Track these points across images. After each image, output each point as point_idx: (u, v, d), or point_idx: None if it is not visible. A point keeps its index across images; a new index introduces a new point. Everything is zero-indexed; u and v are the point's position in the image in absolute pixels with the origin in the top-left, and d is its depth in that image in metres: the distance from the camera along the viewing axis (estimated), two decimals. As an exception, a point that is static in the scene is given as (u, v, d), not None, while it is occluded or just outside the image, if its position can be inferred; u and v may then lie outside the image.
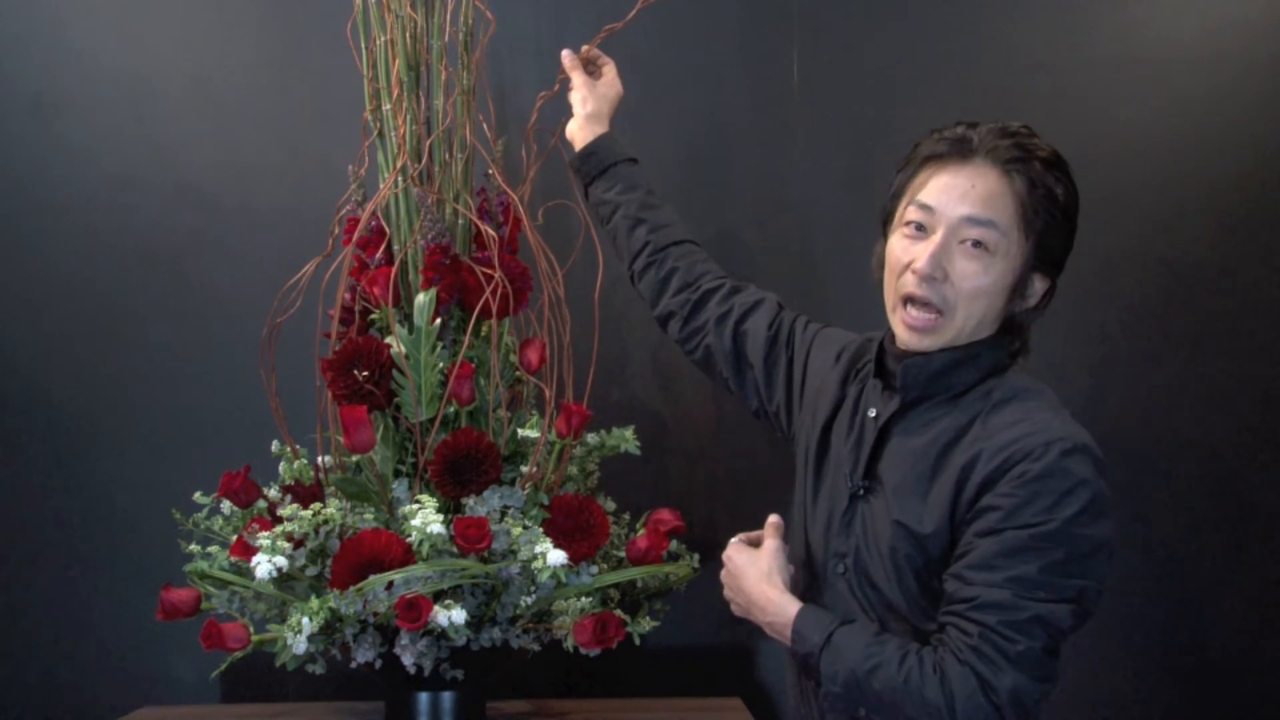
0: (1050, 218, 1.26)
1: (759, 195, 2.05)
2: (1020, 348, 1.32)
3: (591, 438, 1.74)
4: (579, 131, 1.69)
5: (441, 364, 1.59)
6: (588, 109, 1.69)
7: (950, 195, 1.26)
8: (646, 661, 1.90)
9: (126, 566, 1.98)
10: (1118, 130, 2.02)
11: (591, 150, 1.67)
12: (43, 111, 2.02)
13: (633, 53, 2.04)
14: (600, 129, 1.68)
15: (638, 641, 1.58)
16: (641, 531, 1.66)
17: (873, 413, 1.34)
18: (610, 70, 1.74)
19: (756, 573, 1.34)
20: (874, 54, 2.04)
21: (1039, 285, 1.29)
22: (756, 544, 1.39)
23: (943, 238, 1.26)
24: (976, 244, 1.25)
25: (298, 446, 1.71)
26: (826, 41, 2.04)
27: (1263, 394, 2.00)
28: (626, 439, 1.72)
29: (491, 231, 1.65)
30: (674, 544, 1.68)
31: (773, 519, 1.39)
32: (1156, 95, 2.02)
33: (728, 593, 1.39)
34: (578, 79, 1.71)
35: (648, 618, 1.62)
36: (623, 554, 1.66)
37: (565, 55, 1.73)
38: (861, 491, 1.32)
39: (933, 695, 1.17)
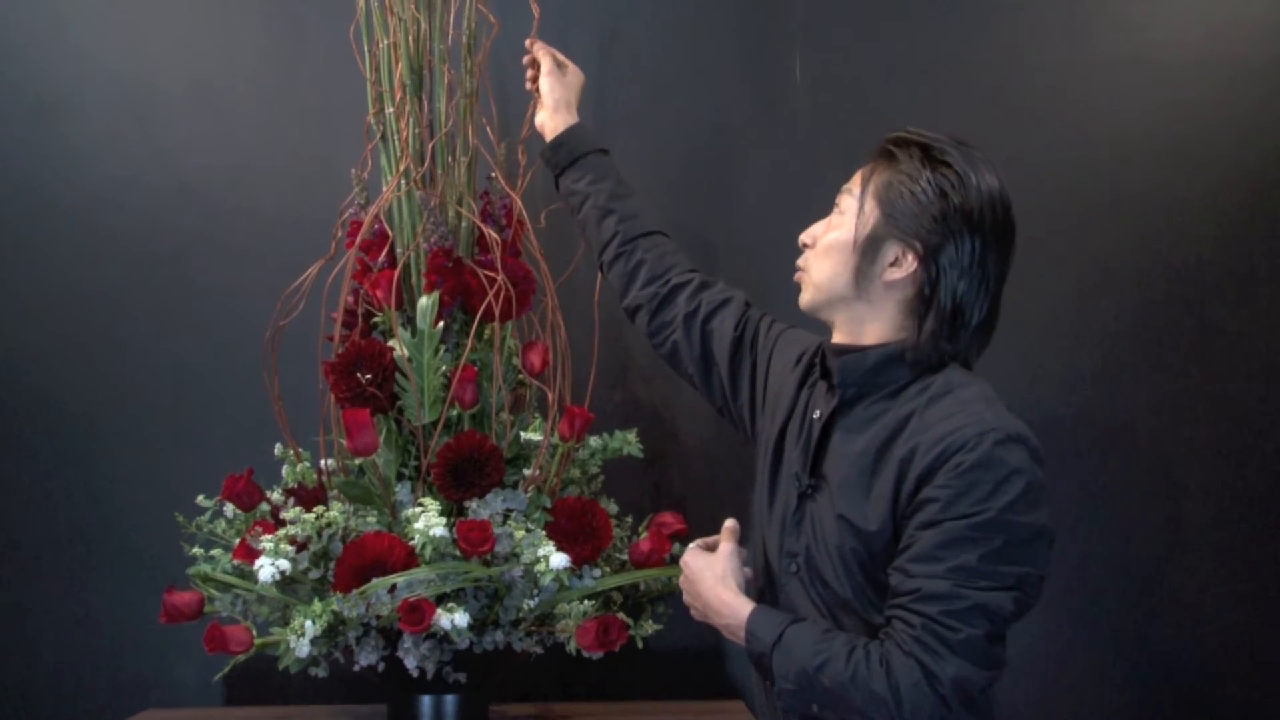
0: (903, 186, 1.30)
1: (761, 198, 2.05)
2: (921, 355, 1.30)
3: (594, 440, 1.74)
4: (549, 121, 1.69)
5: (444, 367, 1.59)
6: (555, 96, 1.69)
7: None
8: (649, 664, 1.90)
9: (129, 569, 1.97)
10: (1119, 133, 2.02)
11: (562, 140, 1.67)
12: (44, 113, 2.02)
13: (636, 56, 2.05)
14: (570, 118, 1.69)
15: (640, 644, 1.58)
16: (644, 534, 1.66)
17: (816, 413, 1.36)
18: (564, 59, 1.74)
19: (712, 576, 1.36)
20: (876, 57, 2.04)
21: (895, 253, 1.30)
22: (714, 549, 1.41)
23: (821, 221, 1.41)
24: (837, 212, 1.38)
25: (300, 449, 1.71)
26: (829, 45, 2.04)
27: (1264, 397, 2.00)
28: (629, 442, 1.72)
29: (494, 234, 1.65)
30: (676, 547, 1.68)
31: (728, 523, 1.41)
32: (1158, 98, 2.02)
33: (686, 598, 1.41)
34: (546, 65, 1.71)
35: (650, 620, 1.62)
36: (625, 557, 1.66)
37: (538, 46, 1.73)
38: (809, 490, 1.34)
39: (879, 687, 1.19)
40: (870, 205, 1.32)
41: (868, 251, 1.31)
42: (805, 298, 1.40)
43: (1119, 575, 2.00)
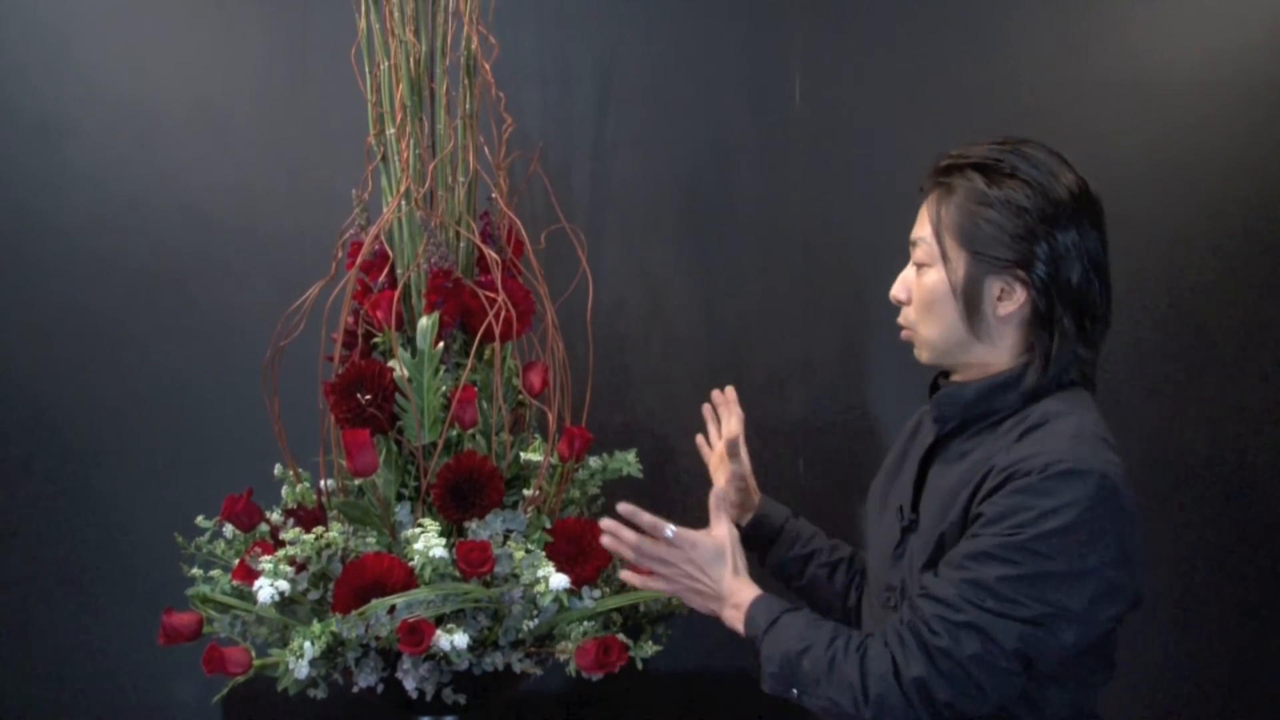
0: (977, 217, 1.25)
1: (760, 220, 2.05)
2: (1058, 371, 1.25)
3: (594, 461, 1.74)
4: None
5: (444, 387, 1.59)
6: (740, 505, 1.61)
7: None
8: (649, 685, 1.89)
9: (128, 590, 1.97)
10: (1118, 154, 2.02)
11: (757, 521, 1.60)
12: (49, 135, 2.03)
13: (635, 79, 2.06)
14: (755, 509, 1.61)
15: (640, 665, 1.57)
16: (644, 555, 1.66)
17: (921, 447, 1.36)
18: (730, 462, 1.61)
19: (728, 567, 1.34)
20: (874, 79, 2.05)
21: (1000, 287, 1.26)
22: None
23: (907, 268, 1.35)
24: (919, 265, 1.32)
25: (300, 470, 1.71)
26: (827, 67, 2.05)
27: (1266, 413, 2.00)
28: (629, 462, 1.72)
29: (494, 255, 1.65)
30: (676, 567, 1.68)
31: (716, 492, 1.38)
32: (1157, 120, 2.03)
33: (675, 573, 1.34)
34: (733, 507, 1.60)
35: (650, 641, 1.61)
36: (625, 578, 1.65)
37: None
38: (911, 525, 1.32)
39: (851, 672, 1.19)
40: (951, 247, 1.27)
41: (971, 296, 1.26)
42: (924, 356, 1.34)
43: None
